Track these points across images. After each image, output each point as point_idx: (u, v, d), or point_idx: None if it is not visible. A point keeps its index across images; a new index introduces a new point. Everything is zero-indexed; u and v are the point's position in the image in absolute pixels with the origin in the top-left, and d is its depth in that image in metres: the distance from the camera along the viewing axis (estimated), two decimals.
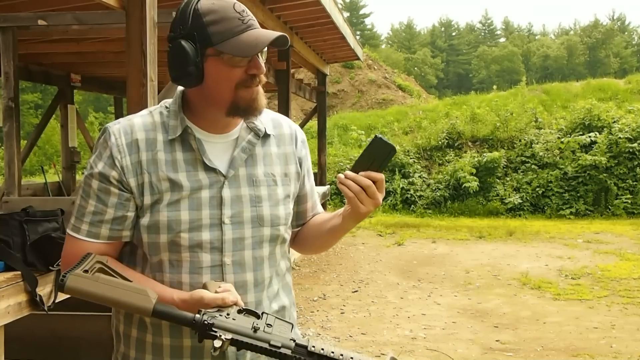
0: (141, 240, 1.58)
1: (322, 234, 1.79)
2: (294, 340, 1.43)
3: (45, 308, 2.51)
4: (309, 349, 1.42)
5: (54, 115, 10.43)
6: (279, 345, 1.42)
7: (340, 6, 9.85)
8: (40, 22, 4.92)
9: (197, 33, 1.52)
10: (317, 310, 6.50)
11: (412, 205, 14.96)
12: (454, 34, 73.55)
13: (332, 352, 1.41)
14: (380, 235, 11.60)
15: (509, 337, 5.62)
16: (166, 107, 1.64)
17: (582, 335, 5.64)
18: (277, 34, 1.52)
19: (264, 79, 1.58)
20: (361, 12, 66.66)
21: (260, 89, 1.57)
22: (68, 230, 1.60)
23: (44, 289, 2.49)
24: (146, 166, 1.56)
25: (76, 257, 1.49)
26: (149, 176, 1.56)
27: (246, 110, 1.57)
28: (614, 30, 63.32)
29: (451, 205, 14.62)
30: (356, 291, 7.40)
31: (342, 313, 6.45)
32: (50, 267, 2.50)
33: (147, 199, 1.56)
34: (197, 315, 1.43)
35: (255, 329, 1.43)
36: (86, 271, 1.44)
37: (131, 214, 1.58)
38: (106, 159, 1.56)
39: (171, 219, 1.54)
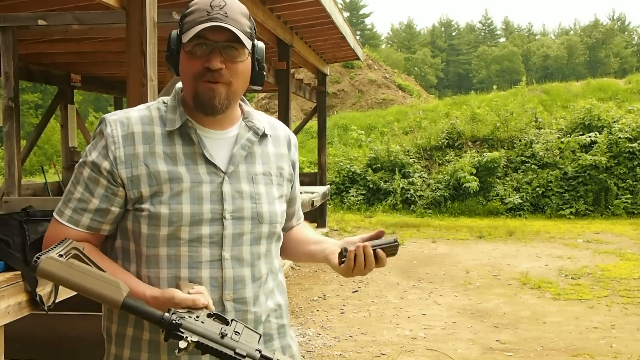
0: (139, 233, 1.57)
1: (300, 252, 1.87)
2: (260, 351, 1.43)
3: (45, 308, 2.51)
4: None
5: (54, 115, 10.44)
6: (244, 354, 1.41)
7: (340, 6, 9.86)
8: (40, 22, 4.93)
9: (180, 25, 1.59)
10: (317, 310, 6.50)
11: (412, 205, 14.96)
12: (454, 33, 73.55)
13: None
14: None
15: (509, 337, 5.62)
16: (164, 103, 1.66)
17: (582, 335, 5.64)
18: (218, 25, 1.52)
19: (227, 76, 1.56)
20: (361, 12, 66.67)
21: (219, 86, 1.56)
22: (54, 213, 1.61)
23: (44, 289, 2.49)
24: (143, 158, 1.56)
25: (56, 241, 1.50)
26: (146, 168, 1.56)
27: (203, 104, 1.57)
28: (614, 30, 63.33)
29: (451, 205, 14.62)
30: (356, 291, 7.40)
31: (342, 313, 6.46)
32: None
33: (145, 190, 1.55)
34: (166, 314, 1.43)
35: (223, 335, 1.42)
36: (61, 256, 1.42)
37: (115, 209, 1.58)
38: (100, 149, 1.58)
39: (172, 212, 1.55)
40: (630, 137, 14.31)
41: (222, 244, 1.59)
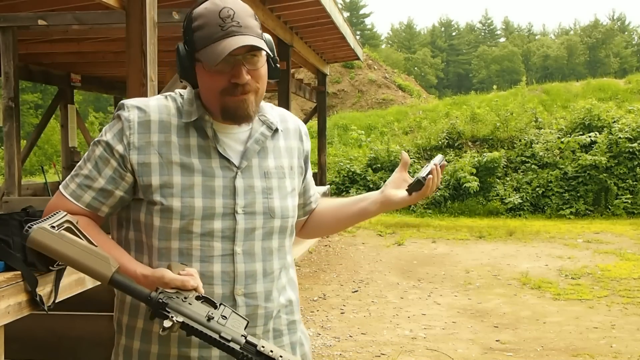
0: (152, 225, 1.57)
1: (342, 218, 1.87)
2: (245, 337, 1.43)
3: (45, 308, 2.51)
4: (258, 348, 1.42)
5: (54, 115, 10.44)
6: (229, 338, 1.41)
7: (340, 6, 9.86)
8: (40, 22, 4.93)
9: (188, 38, 1.55)
10: (317, 310, 6.50)
11: (412, 205, 14.96)
12: (454, 33, 73.54)
13: (281, 357, 1.42)
14: (380, 235, 11.60)
15: (509, 337, 5.62)
16: (180, 95, 1.65)
17: (582, 335, 5.64)
18: (243, 43, 1.50)
19: (254, 85, 1.56)
20: (361, 12, 66.65)
21: (249, 96, 1.56)
22: (60, 186, 1.63)
23: (44, 289, 2.49)
24: (157, 147, 1.56)
25: (54, 209, 1.53)
26: (159, 157, 1.56)
27: (236, 116, 1.57)
28: (614, 30, 63.33)
29: (451, 205, 14.62)
30: (356, 291, 7.40)
31: (342, 313, 6.46)
32: (51, 267, 2.50)
33: (156, 180, 1.55)
34: (154, 293, 1.43)
35: (209, 318, 1.42)
36: (53, 227, 1.42)
37: (119, 193, 1.58)
38: (116, 132, 1.58)
39: (185, 205, 1.54)
40: (630, 137, 14.30)
41: (234, 239, 1.58)
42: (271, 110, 1.73)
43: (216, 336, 1.41)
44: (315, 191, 1.93)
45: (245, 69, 1.53)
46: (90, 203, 1.58)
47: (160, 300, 1.41)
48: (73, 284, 2.75)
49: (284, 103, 9.04)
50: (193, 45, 1.53)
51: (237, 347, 1.41)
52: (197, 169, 1.56)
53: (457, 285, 7.65)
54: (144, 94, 3.59)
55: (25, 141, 9.86)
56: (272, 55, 1.61)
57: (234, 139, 1.63)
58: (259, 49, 1.52)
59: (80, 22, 4.84)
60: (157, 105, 1.61)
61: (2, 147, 11.55)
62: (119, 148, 1.56)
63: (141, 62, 3.67)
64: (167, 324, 1.39)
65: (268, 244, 1.64)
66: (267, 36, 1.62)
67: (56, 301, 2.58)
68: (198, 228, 1.55)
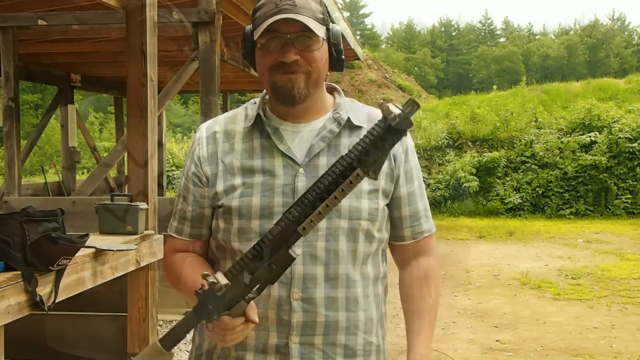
0: (218, 228, 1.58)
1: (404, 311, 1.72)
2: None
3: (45, 308, 2.50)
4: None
5: (54, 115, 10.44)
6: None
7: (340, 6, 9.85)
8: (40, 22, 4.93)
9: (252, 21, 1.55)
10: None
11: None
12: (454, 33, 73.52)
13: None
14: None
15: (509, 336, 5.62)
16: (254, 102, 1.65)
17: (582, 335, 5.64)
18: (286, 16, 1.46)
19: (305, 66, 1.51)
20: (361, 12, 66.64)
21: (297, 76, 1.50)
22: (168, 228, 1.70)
23: (44, 289, 2.49)
24: (221, 155, 1.58)
25: (169, 252, 1.65)
26: (223, 165, 1.57)
27: (285, 96, 1.52)
28: (614, 30, 63.32)
29: (451, 205, 14.62)
30: None
31: None
32: (50, 267, 2.49)
33: (220, 186, 1.56)
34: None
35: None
36: None
37: (208, 212, 1.61)
38: (190, 154, 1.64)
39: (242, 205, 1.52)
40: (630, 137, 14.31)
41: None
42: (358, 108, 1.65)
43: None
44: (413, 218, 1.67)
45: (295, 49, 1.49)
46: (192, 232, 1.63)
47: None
48: (73, 284, 2.74)
49: None
50: (253, 24, 1.53)
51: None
52: (257, 169, 1.54)
53: (457, 285, 7.65)
54: (144, 94, 3.58)
55: (25, 141, 9.86)
56: (334, 42, 1.56)
57: (300, 137, 1.57)
58: (307, 28, 1.47)
59: (81, 22, 4.85)
60: (225, 117, 1.66)
61: (2, 147, 11.56)
62: (192, 168, 1.60)
63: (141, 62, 3.66)
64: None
65: (333, 245, 1.52)
66: (336, 26, 1.58)
67: (56, 301, 2.58)
68: (257, 228, 1.50)
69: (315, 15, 1.50)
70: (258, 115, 1.59)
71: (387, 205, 1.61)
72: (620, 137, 14.27)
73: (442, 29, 73.73)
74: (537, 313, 6.37)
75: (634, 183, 13.98)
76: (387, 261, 1.69)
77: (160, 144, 6.22)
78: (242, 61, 7.27)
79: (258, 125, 1.59)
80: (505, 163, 15.08)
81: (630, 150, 14.14)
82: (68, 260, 2.66)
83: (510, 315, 6.33)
